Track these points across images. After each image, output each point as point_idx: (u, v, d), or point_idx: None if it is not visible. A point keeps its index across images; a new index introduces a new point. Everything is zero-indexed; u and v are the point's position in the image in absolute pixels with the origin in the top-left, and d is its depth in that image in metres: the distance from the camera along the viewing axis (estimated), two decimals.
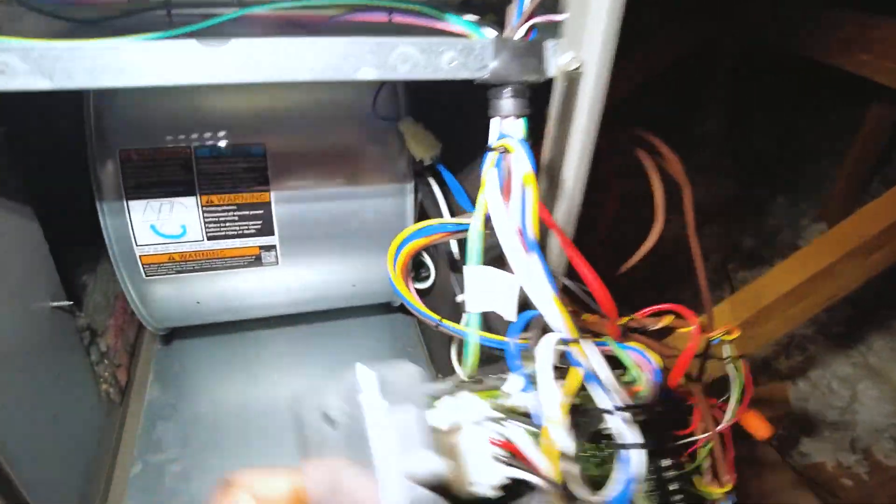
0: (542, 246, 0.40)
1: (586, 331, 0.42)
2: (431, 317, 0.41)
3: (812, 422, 1.08)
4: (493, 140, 0.32)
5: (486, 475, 0.29)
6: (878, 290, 1.24)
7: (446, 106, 0.52)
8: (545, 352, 0.32)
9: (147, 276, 0.56)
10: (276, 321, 0.74)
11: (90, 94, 0.50)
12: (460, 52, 0.30)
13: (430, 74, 0.30)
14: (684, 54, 1.50)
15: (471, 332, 0.36)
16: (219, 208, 0.54)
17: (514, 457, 0.31)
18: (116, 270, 0.54)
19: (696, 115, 1.75)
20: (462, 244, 0.50)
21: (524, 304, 0.34)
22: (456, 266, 0.49)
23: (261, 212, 0.54)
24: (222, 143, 0.52)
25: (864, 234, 0.68)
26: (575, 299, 0.40)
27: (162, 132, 0.52)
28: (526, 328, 0.36)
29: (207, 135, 0.52)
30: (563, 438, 0.31)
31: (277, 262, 0.57)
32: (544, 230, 0.38)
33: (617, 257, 0.51)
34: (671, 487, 0.43)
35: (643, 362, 0.39)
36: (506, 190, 0.33)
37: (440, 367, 0.71)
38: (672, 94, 1.69)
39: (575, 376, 0.34)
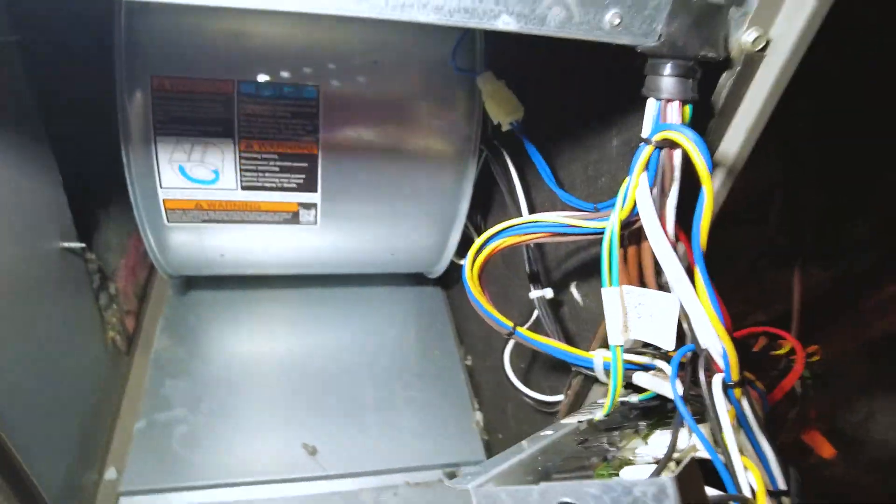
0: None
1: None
2: (505, 324, 0.35)
3: None
4: (647, 129, 0.26)
5: None
6: None
7: (538, 63, 0.44)
8: (718, 395, 0.26)
9: (169, 221, 0.49)
10: (301, 280, 0.68)
11: (122, 7, 0.42)
12: (628, 8, 0.23)
13: (585, 34, 0.23)
14: None
15: (615, 365, 0.30)
16: (258, 156, 0.47)
17: None
18: (136, 213, 0.48)
19: None
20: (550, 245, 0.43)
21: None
22: (530, 261, 0.43)
23: (305, 164, 0.48)
24: (270, 81, 0.45)
25: None
26: None
27: (202, 61, 0.44)
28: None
29: (254, 69, 0.45)
30: None
31: (316, 223, 0.51)
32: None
33: None
34: None
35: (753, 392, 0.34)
36: (661, 191, 0.27)
37: (469, 345, 0.66)
38: None
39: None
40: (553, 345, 0.34)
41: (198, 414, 0.55)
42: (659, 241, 0.26)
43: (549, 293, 0.41)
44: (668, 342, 0.28)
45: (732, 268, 0.51)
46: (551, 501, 0.21)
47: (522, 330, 0.35)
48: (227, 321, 0.65)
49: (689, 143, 0.23)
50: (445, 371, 0.62)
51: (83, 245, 0.47)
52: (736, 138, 0.27)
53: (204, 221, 0.50)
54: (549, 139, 0.41)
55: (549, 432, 0.32)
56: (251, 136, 0.46)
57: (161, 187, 0.47)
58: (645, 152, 0.25)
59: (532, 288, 0.41)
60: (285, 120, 0.46)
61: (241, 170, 0.47)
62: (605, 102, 0.35)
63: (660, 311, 0.28)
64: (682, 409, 0.26)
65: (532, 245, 0.43)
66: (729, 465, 0.25)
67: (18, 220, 0.40)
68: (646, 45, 0.24)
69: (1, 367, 0.38)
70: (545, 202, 0.43)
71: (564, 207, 0.34)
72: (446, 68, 0.46)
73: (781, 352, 0.38)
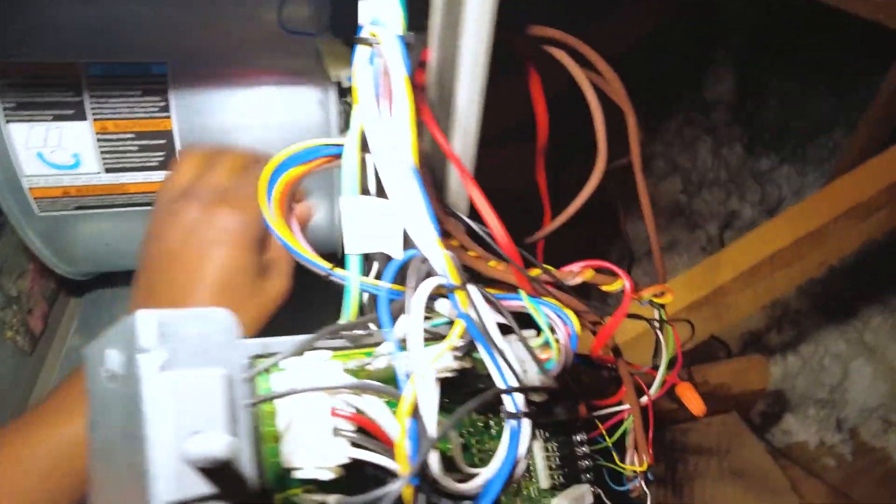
0: (440, 177, 0.34)
1: (496, 282, 0.35)
2: (321, 265, 0.35)
3: (798, 399, 1.02)
4: (363, 28, 0.26)
5: (320, 455, 0.23)
6: (878, 263, 1.16)
7: None
8: (419, 297, 0.26)
9: (41, 211, 0.50)
10: None
11: None
12: None
13: None
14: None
15: (352, 276, 0.30)
16: (115, 136, 0.47)
17: (366, 434, 0.25)
18: (3, 204, 0.49)
19: (707, 77, 1.66)
20: None
21: None
22: None
23: (163, 141, 0.48)
24: (119, 60, 0.46)
25: (861, 193, 0.61)
26: (483, 245, 0.34)
27: (48, 44, 0.45)
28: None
29: (102, 49, 0.46)
30: (428, 405, 0.25)
31: None
32: (441, 159, 0.32)
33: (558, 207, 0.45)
34: (582, 464, 0.38)
35: (559, 321, 0.33)
36: (386, 97, 0.27)
37: None
38: (682, 54, 1.60)
39: (458, 329, 0.28)
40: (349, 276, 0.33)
41: None
42: (377, 142, 0.26)
43: None
44: (395, 251, 0.28)
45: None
46: None
47: (341, 271, 0.35)
48: None
49: (387, 40, 0.23)
50: None
51: None
52: (468, 36, 0.26)
53: (77, 209, 0.50)
54: None
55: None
56: (105, 116, 0.47)
57: (24, 175, 0.48)
58: (359, 53, 0.25)
59: None
60: (136, 98, 0.47)
61: (100, 152, 0.48)
62: None
63: (386, 220, 0.28)
64: (380, 307, 0.25)
65: None
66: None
67: None
68: None
69: None
70: None
71: None
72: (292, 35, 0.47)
73: (610, 288, 0.36)
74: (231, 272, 0.37)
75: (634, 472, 0.39)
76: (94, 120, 0.47)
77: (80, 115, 0.46)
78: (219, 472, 0.17)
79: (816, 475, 0.87)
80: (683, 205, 1.36)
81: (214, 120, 0.48)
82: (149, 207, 0.51)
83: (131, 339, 0.19)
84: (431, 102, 0.31)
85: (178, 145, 0.48)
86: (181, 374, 0.19)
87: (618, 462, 0.40)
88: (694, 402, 0.39)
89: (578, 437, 0.39)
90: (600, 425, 0.40)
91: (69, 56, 0.45)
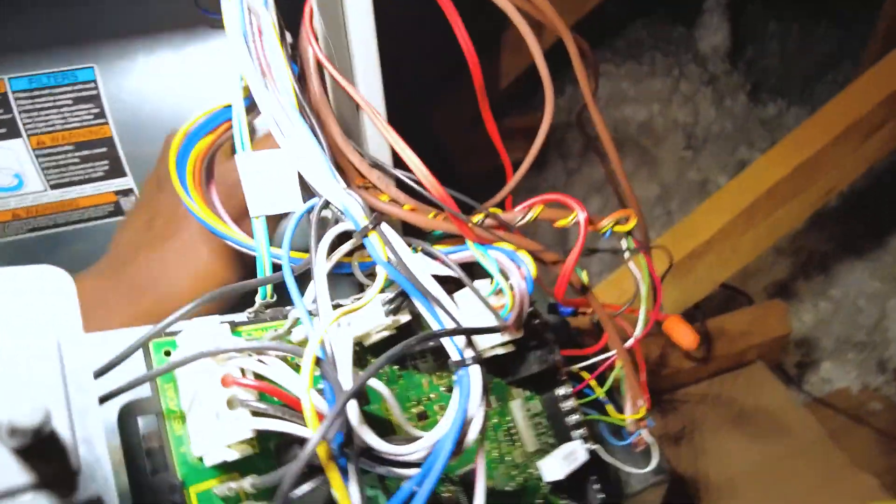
0: (354, 128, 0.31)
1: (444, 238, 0.33)
2: (248, 245, 0.32)
3: (835, 345, 0.96)
4: None
5: (215, 433, 0.21)
6: None
7: None
8: (321, 248, 0.24)
9: None
10: None
11: None
12: None
13: None
14: None
15: (258, 242, 0.27)
16: (54, 150, 0.46)
17: (271, 400, 0.22)
18: None
19: (699, 29, 1.60)
20: None
21: None
22: None
23: (105, 149, 0.46)
24: (42, 70, 0.44)
25: (857, 111, 0.56)
26: (418, 197, 0.31)
27: None
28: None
29: (23, 62, 0.44)
30: (341, 358, 0.22)
31: None
32: (351, 108, 0.29)
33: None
34: (571, 421, 0.34)
35: (511, 265, 0.30)
36: (259, 37, 0.24)
37: None
38: (670, 11, 1.54)
39: (379, 277, 0.25)
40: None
41: None
42: (256, 85, 0.23)
43: None
44: (294, 204, 0.25)
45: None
46: None
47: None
48: None
49: None
50: None
51: None
52: None
53: (31, 231, 0.49)
54: None
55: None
56: (40, 130, 0.45)
57: None
58: None
59: None
60: (69, 107, 0.45)
61: (42, 168, 0.46)
62: None
63: (283, 172, 0.25)
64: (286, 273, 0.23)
65: None
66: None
67: None
68: None
69: None
70: None
71: None
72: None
73: (565, 222, 0.33)
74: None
75: (634, 422, 0.35)
76: (29, 135, 0.45)
77: (13, 133, 0.45)
78: (32, 450, 0.15)
79: (863, 421, 0.81)
80: (689, 161, 1.31)
81: (153, 117, 0.46)
82: (103, 221, 0.49)
83: None
84: (328, 49, 0.28)
85: (120, 151, 0.47)
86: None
87: (612, 413, 0.36)
88: (685, 335, 0.36)
89: (562, 392, 0.36)
90: (587, 376, 0.37)
91: None
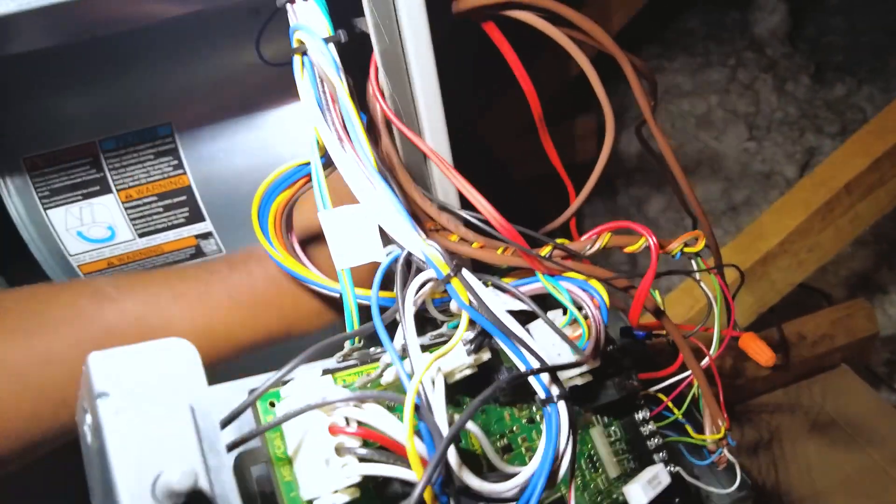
0: (422, 175, 0.32)
1: (513, 271, 0.33)
2: (332, 288, 0.34)
3: None
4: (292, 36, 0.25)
5: (324, 479, 0.22)
6: None
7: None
8: (408, 298, 0.25)
9: None
10: None
11: None
12: None
13: None
14: None
15: (345, 291, 0.29)
16: (140, 202, 0.49)
17: (375, 447, 0.23)
18: None
19: (754, 13, 1.54)
20: None
21: None
22: None
23: (184, 197, 0.50)
24: (126, 130, 0.48)
25: None
26: (486, 234, 0.32)
27: (63, 131, 0.48)
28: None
29: (109, 125, 0.48)
30: (436, 403, 0.23)
31: (222, 250, 0.52)
32: (419, 155, 0.30)
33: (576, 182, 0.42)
34: (651, 444, 0.34)
35: (584, 295, 0.30)
36: (333, 102, 0.26)
37: None
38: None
39: (463, 321, 0.26)
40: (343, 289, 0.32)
41: None
42: (335, 150, 0.24)
43: None
44: (377, 254, 0.26)
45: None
46: None
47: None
48: None
49: (311, 43, 0.22)
50: None
51: None
52: (404, 20, 0.25)
53: None
54: None
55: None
56: (127, 185, 0.49)
57: (70, 255, 0.50)
58: (295, 64, 0.24)
59: None
60: (151, 161, 0.48)
61: (130, 219, 0.50)
62: None
63: (365, 226, 0.26)
64: (375, 316, 0.24)
65: None
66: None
67: None
68: None
69: None
70: None
71: None
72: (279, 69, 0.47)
73: (635, 248, 0.33)
74: None
75: (715, 441, 0.35)
76: (119, 190, 0.49)
77: (105, 189, 0.49)
78: None
79: None
80: (753, 152, 1.26)
81: (226, 164, 0.49)
82: (185, 263, 0.53)
83: (89, 386, 0.19)
84: (394, 101, 0.29)
85: (198, 197, 0.50)
86: (140, 412, 0.18)
87: (692, 434, 0.36)
88: (761, 353, 0.35)
89: (641, 416, 0.36)
90: (664, 398, 0.37)
91: (84, 137, 0.48)
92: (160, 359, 0.20)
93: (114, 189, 0.49)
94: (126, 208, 0.49)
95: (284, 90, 0.49)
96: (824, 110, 1.31)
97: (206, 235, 0.51)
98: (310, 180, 0.31)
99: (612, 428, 0.35)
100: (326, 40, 0.23)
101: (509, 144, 0.98)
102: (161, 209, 0.50)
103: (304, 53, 0.24)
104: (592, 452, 0.34)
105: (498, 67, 0.35)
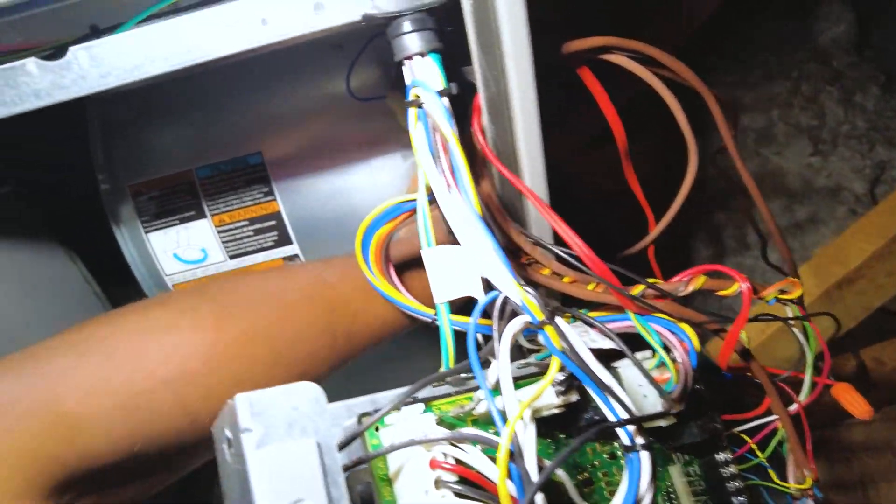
0: (519, 212, 0.33)
1: (597, 306, 0.34)
2: (424, 313, 0.35)
3: None
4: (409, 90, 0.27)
5: None
6: None
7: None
8: (504, 341, 0.26)
9: None
10: None
11: (97, 130, 0.51)
12: None
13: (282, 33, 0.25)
14: None
15: (443, 324, 0.30)
16: (232, 226, 0.52)
17: (469, 483, 0.25)
18: None
19: (816, 23, 1.50)
20: None
21: None
22: None
23: (273, 223, 0.52)
24: (220, 160, 0.51)
25: None
26: (578, 269, 0.33)
27: (164, 159, 0.51)
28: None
29: (205, 153, 0.51)
30: (527, 447, 0.24)
31: None
32: (516, 194, 0.32)
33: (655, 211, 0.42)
34: (731, 487, 0.34)
35: (674, 338, 0.31)
36: (444, 150, 0.27)
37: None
38: (785, 4, 1.46)
39: (553, 366, 0.27)
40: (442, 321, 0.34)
41: None
42: (442, 196, 0.26)
43: None
44: (477, 292, 0.28)
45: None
46: None
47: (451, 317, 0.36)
48: None
49: (425, 97, 0.24)
50: None
51: None
52: (511, 69, 0.26)
53: None
54: None
55: None
56: (220, 211, 0.52)
57: (166, 275, 0.54)
58: (411, 115, 0.26)
59: None
60: (243, 189, 0.52)
61: (222, 242, 0.53)
62: None
63: (466, 265, 0.28)
64: (470, 349, 0.25)
65: None
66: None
67: None
68: (366, 18, 0.25)
69: None
70: None
71: None
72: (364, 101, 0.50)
73: (728, 292, 0.33)
74: None
75: (800, 490, 0.35)
76: (213, 215, 0.52)
77: (200, 214, 0.52)
78: None
79: None
80: (818, 168, 1.23)
81: (313, 192, 0.52)
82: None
83: (234, 420, 0.21)
84: (493, 142, 0.31)
85: (287, 222, 0.52)
86: (276, 448, 0.20)
87: (776, 480, 0.36)
88: (856, 405, 0.35)
89: (722, 457, 0.36)
90: (748, 440, 0.37)
91: (182, 165, 0.51)
92: (293, 399, 0.22)
93: (208, 214, 0.52)
94: (219, 232, 0.53)
95: (366, 122, 0.51)
96: None
97: (293, 258, 0.54)
98: (409, 216, 0.33)
99: (692, 467, 0.35)
100: (440, 93, 0.25)
101: (572, 161, 0.98)
102: (251, 233, 0.53)
103: (419, 106, 0.26)
104: (671, 490, 0.35)
105: (563, 93, 0.37)
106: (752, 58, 1.42)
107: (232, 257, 0.54)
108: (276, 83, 0.52)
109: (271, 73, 0.52)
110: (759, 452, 0.35)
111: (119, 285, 0.58)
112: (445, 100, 0.25)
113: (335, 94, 0.50)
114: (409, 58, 0.26)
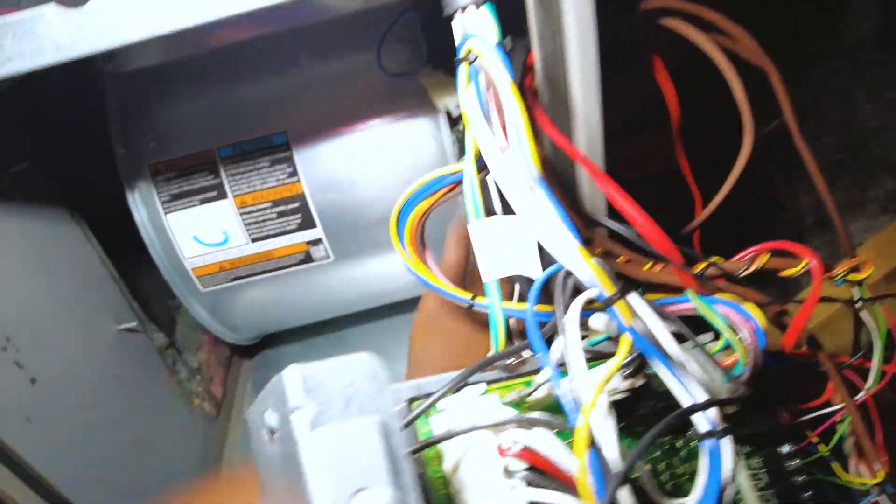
0: (570, 184, 0.31)
1: (656, 286, 0.32)
2: (460, 297, 0.33)
3: None
4: (460, 46, 0.24)
5: (493, 499, 0.22)
6: None
7: None
8: (572, 316, 0.24)
9: (204, 287, 0.54)
10: (361, 317, 0.71)
11: (115, 108, 0.50)
12: None
13: None
14: None
15: (493, 303, 0.28)
16: (254, 208, 0.51)
17: (539, 471, 0.23)
18: (173, 286, 0.54)
19: (842, 18, 1.47)
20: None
21: None
22: None
23: (297, 205, 0.51)
24: (243, 139, 0.49)
25: None
26: (632, 247, 0.31)
27: (184, 139, 0.50)
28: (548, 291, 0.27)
29: (228, 133, 0.49)
30: (607, 434, 0.22)
31: (330, 256, 0.53)
32: (567, 163, 0.29)
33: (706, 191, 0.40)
34: (796, 480, 0.32)
35: (739, 319, 0.29)
36: (496, 112, 0.25)
37: None
38: (804, 4, 1.43)
39: (624, 346, 0.25)
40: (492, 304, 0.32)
41: None
42: (495, 160, 0.24)
43: None
44: (534, 270, 0.25)
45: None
46: None
47: (482, 299, 0.34)
48: None
49: (485, 49, 0.22)
50: None
51: (134, 323, 0.53)
52: (571, 27, 0.24)
53: (233, 280, 0.54)
54: None
55: None
56: (243, 192, 0.50)
57: (185, 258, 0.52)
58: (461, 73, 0.24)
59: None
60: (266, 169, 0.50)
61: (244, 224, 0.51)
62: None
63: (518, 239, 0.26)
64: (530, 331, 0.23)
65: None
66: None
67: (77, 310, 0.47)
68: None
69: (85, 464, 0.43)
70: None
71: None
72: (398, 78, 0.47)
73: (793, 271, 0.31)
74: None
75: (870, 486, 0.32)
76: (234, 196, 0.50)
77: (221, 195, 0.50)
78: None
79: None
80: (847, 164, 1.20)
81: (339, 173, 0.50)
82: (294, 268, 0.54)
83: (282, 397, 0.19)
84: (546, 105, 0.28)
85: (311, 204, 0.50)
86: (334, 427, 0.18)
87: (841, 475, 0.34)
88: None
89: (786, 449, 0.34)
90: (810, 433, 0.34)
91: (203, 145, 0.49)
92: (349, 373, 0.20)
93: (230, 195, 0.50)
94: (241, 213, 0.51)
95: (395, 102, 0.49)
96: None
97: (317, 242, 0.52)
98: (451, 189, 0.30)
99: (755, 460, 0.33)
100: (498, 45, 0.23)
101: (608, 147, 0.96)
102: (274, 215, 0.51)
103: (473, 62, 0.24)
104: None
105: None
106: (776, 53, 1.39)
107: (254, 240, 0.52)
108: (303, 61, 0.50)
109: (298, 50, 0.50)
110: (821, 446, 0.33)
111: (135, 266, 0.56)
112: (504, 53, 0.23)
113: (363, 73, 0.48)
114: (463, 9, 0.24)
